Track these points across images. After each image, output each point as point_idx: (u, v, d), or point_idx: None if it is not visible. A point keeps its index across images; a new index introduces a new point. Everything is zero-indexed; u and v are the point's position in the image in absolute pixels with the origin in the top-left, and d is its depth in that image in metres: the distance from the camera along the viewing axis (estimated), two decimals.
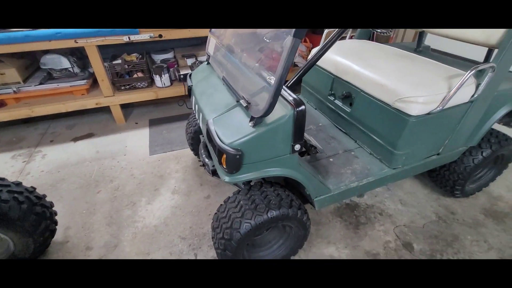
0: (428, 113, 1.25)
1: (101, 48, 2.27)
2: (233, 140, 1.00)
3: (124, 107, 2.67)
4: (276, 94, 0.89)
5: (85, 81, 2.42)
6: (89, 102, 2.45)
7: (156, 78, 2.55)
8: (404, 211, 1.77)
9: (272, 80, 0.90)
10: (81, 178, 2.03)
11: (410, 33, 3.33)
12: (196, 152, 2.03)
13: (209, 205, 1.80)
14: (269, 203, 1.15)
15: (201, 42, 3.03)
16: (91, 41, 2.14)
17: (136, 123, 2.71)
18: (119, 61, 2.40)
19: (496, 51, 1.31)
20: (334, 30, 1.19)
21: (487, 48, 1.49)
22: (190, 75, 1.68)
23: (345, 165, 1.45)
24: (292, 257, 1.46)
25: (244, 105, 1.01)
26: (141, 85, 2.57)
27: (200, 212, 1.76)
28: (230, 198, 1.24)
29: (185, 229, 1.65)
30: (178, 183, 1.98)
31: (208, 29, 2.29)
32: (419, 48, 1.97)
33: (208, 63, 1.65)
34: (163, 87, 2.62)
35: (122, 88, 2.53)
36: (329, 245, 1.56)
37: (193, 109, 1.52)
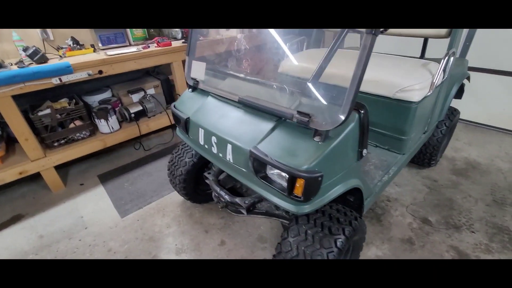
0: (424, 97, 1.40)
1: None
2: (308, 162, 0.86)
3: (56, 169, 2.04)
4: (354, 98, 0.81)
5: None
6: (8, 174, 1.77)
7: (101, 123, 2.07)
8: (403, 191, 1.93)
9: (347, 84, 0.82)
10: None
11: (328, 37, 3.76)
12: (189, 196, 1.70)
13: (229, 252, 1.52)
14: (339, 222, 1.04)
15: (139, 75, 2.67)
16: (3, 90, 1.57)
17: (82, 184, 2.11)
18: (47, 111, 1.84)
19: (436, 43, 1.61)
20: None
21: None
22: (175, 106, 1.43)
23: (366, 162, 1.48)
24: None
25: (305, 120, 0.88)
26: (82, 135, 2.04)
27: None
28: (291, 232, 1.06)
29: None
30: (178, 239, 1.61)
31: (169, 59, 2.06)
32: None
33: (194, 90, 1.44)
34: (111, 133, 2.15)
35: (56, 144, 1.94)
36: (368, 246, 1.53)
37: (199, 142, 1.26)
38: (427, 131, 1.71)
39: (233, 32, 2.72)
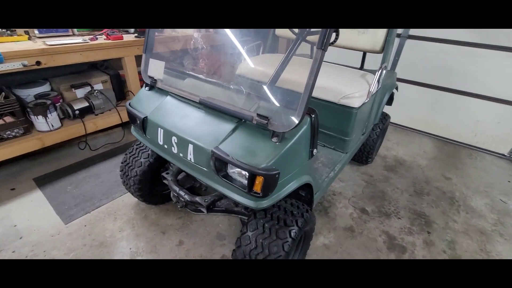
0: (362, 104, 1.62)
1: None
2: (266, 160, 0.94)
3: None
4: (307, 104, 0.92)
5: None
6: None
7: (38, 120, 1.85)
8: (346, 186, 2.18)
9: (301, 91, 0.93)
10: None
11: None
12: (144, 198, 1.65)
13: (188, 251, 1.53)
14: (293, 215, 1.15)
15: (84, 68, 2.44)
16: None
17: (13, 189, 1.86)
18: None
19: (375, 55, 1.88)
20: None
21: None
22: (130, 104, 1.38)
23: (315, 160, 1.64)
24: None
25: (264, 122, 0.97)
26: (14, 133, 1.79)
27: None
28: (250, 227, 1.13)
29: None
30: (133, 242, 1.55)
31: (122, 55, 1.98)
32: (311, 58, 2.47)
33: (151, 88, 1.41)
34: (51, 131, 1.94)
35: None
36: (317, 236, 1.70)
37: (157, 142, 1.25)
38: (365, 133, 1.97)
39: (190, 31, 2.68)
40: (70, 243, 1.52)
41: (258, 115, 0.99)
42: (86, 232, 1.60)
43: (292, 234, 1.08)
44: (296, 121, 0.92)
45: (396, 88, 2.27)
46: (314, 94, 1.66)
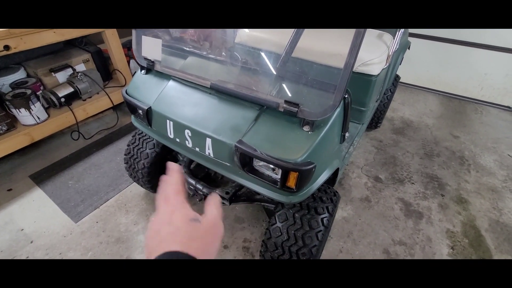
0: (382, 70, 1.49)
1: None
2: (300, 153, 0.84)
3: None
4: (346, 86, 0.80)
5: None
6: None
7: (21, 113, 1.65)
8: (356, 154, 2.14)
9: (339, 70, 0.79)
10: None
11: None
12: (155, 189, 1.56)
13: None
14: (323, 201, 1.10)
15: (60, 46, 2.14)
16: None
17: (10, 190, 1.74)
18: None
19: None
20: None
21: None
22: (127, 92, 1.21)
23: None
24: None
25: (294, 110, 0.84)
26: None
27: None
28: (279, 217, 1.08)
29: None
30: None
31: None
32: None
33: (148, 71, 1.23)
34: (37, 124, 1.75)
35: None
36: None
37: (167, 135, 1.12)
38: (378, 99, 1.87)
39: None
40: (85, 243, 1.46)
41: (287, 102, 0.86)
42: (99, 229, 1.53)
43: (324, 222, 1.04)
44: (333, 107, 0.81)
45: (409, 47, 2.10)
46: (328, 62, 1.50)
